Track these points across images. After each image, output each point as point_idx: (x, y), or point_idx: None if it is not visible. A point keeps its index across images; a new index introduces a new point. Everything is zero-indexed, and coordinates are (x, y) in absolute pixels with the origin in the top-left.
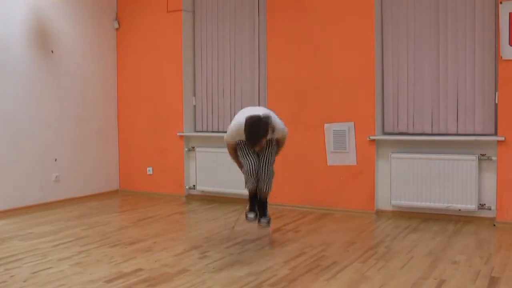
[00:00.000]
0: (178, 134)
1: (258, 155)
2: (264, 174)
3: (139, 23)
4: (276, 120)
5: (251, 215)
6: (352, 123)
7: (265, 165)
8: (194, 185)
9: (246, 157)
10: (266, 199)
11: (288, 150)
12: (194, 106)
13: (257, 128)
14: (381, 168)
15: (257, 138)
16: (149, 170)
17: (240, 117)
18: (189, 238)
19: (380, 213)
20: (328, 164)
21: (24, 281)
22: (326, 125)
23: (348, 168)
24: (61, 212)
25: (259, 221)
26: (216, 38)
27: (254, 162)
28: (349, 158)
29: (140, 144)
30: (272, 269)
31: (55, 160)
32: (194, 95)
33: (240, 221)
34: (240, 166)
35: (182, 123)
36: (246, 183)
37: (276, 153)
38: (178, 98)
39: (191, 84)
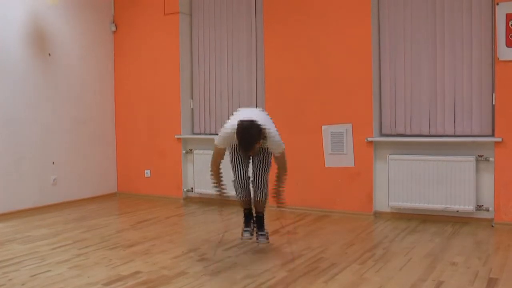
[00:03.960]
0: (175, 136)
1: (249, 164)
2: (257, 182)
3: (136, 25)
4: (271, 129)
5: (246, 234)
6: (350, 124)
7: (258, 174)
8: (192, 188)
9: (236, 166)
10: (263, 213)
11: (286, 152)
12: (192, 108)
13: (249, 133)
14: (379, 169)
15: (250, 144)
16: (147, 173)
17: (234, 121)
18: (187, 240)
19: (378, 215)
20: (326, 166)
21: (23, 285)
22: (323, 127)
23: (346, 170)
24: (59, 215)
25: (257, 237)
26: (214, 41)
27: (244, 172)
28: (347, 160)
29: (138, 146)
30: (270, 272)
31: (53, 163)
32: (192, 97)
33: (227, 233)
34: (217, 182)
35: (179, 125)
36: (236, 193)
37: (282, 169)
38: (176, 101)
39: (189, 86)
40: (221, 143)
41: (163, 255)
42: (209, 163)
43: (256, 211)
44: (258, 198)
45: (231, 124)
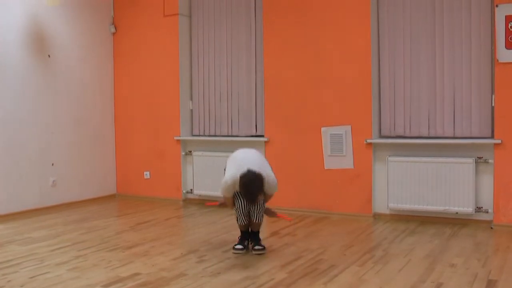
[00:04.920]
0: (175, 138)
1: None
2: (255, 207)
3: (135, 27)
4: (269, 173)
5: (239, 247)
6: (349, 126)
7: (256, 205)
8: (191, 189)
9: (238, 196)
10: (258, 231)
11: (285, 154)
12: (191, 110)
13: (252, 188)
14: (378, 171)
15: (254, 196)
16: (147, 174)
17: (233, 170)
18: (187, 242)
19: (377, 216)
20: (325, 168)
21: (22, 286)
22: (323, 129)
23: (345, 172)
24: (59, 216)
25: (253, 248)
26: (213, 42)
27: (245, 201)
28: (346, 162)
29: (137, 148)
30: (270, 273)
31: (52, 164)
32: (191, 99)
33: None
34: (232, 205)
35: (179, 127)
36: (237, 219)
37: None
38: (175, 102)
39: (188, 88)
40: (226, 193)
41: (162, 257)
42: (208, 166)
43: (252, 229)
44: (256, 220)
45: (231, 175)
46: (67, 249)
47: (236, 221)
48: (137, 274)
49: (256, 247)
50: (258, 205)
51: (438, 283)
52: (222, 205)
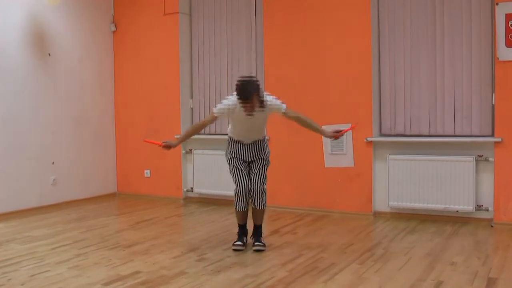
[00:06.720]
0: (175, 136)
1: (249, 173)
2: (256, 191)
3: (136, 25)
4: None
5: (238, 243)
6: (350, 124)
7: (257, 182)
8: (191, 188)
9: (237, 176)
10: (261, 224)
11: (285, 152)
12: (192, 108)
13: (247, 84)
14: (379, 169)
15: (248, 93)
16: (147, 173)
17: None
18: (187, 240)
19: (377, 215)
20: (325, 166)
21: (22, 285)
22: (323, 127)
23: (346, 170)
24: (59, 215)
25: (253, 245)
26: (213, 41)
27: (245, 183)
28: (347, 160)
29: (138, 146)
30: (270, 271)
31: (53, 163)
32: (192, 97)
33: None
34: (181, 139)
35: (179, 125)
36: (236, 205)
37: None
38: (176, 101)
39: (189, 86)
40: (219, 111)
41: (162, 255)
42: (209, 164)
43: (254, 221)
44: (258, 207)
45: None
46: (68, 248)
47: (234, 209)
48: (137, 272)
49: (256, 243)
50: (260, 188)
51: (438, 282)
52: (166, 147)
